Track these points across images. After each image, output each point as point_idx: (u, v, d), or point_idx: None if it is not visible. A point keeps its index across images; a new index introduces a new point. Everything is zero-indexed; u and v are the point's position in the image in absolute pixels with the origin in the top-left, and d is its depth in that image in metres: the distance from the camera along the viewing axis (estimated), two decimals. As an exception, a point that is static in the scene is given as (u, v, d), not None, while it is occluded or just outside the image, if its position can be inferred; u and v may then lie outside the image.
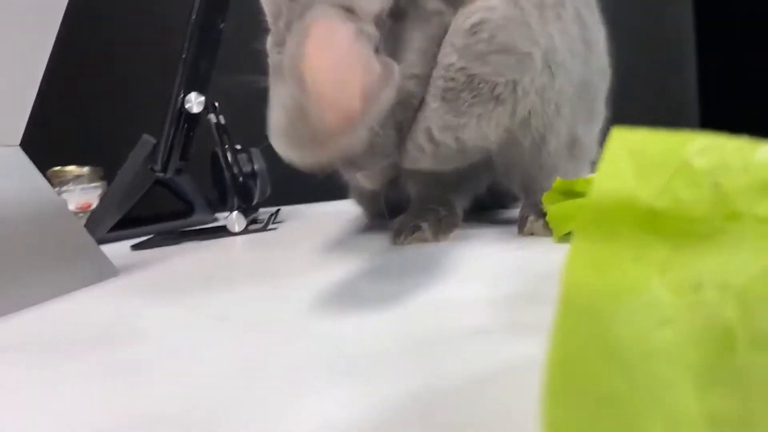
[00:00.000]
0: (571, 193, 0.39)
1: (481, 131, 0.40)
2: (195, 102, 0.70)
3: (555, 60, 0.41)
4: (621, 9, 0.79)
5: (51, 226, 0.48)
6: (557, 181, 0.40)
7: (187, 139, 0.73)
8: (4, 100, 0.49)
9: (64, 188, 1.02)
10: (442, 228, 0.47)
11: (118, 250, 0.63)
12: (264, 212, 0.90)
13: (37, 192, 0.50)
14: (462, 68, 0.38)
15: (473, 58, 0.38)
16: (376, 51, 0.33)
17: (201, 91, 0.71)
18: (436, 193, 0.50)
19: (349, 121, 0.28)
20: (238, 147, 0.81)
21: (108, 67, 1.20)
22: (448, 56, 0.38)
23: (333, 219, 0.72)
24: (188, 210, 0.88)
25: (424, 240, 0.45)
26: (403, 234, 0.45)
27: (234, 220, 0.70)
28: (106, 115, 1.21)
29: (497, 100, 0.39)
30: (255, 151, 0.85)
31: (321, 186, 0.53)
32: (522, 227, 0.44)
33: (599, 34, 0.47)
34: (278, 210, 0.89)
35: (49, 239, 0.47)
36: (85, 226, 0.73)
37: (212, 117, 0.72)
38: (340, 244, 0.49)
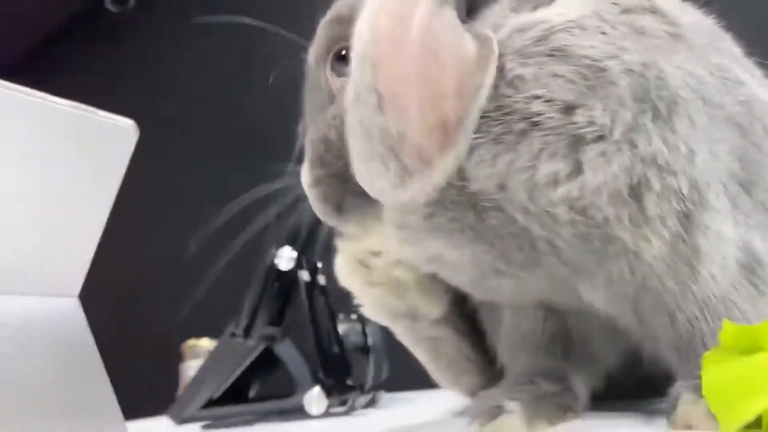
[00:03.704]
0: (754, 347, 0.22)
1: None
2: (285, 257, 0.62)
3: (662, 88, 0.27)
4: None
5: (79, 390, 0.47)
6: (726, 327, 0.23)
7: (279, 301, 0.64)
8: (66, 250, 0.50)
9: (193, 362, 0.98)
10: (543, 411, 0.30)
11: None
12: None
13: (78, 350, 0.49)
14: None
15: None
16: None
17: (295, 246, 0.63)
18: (542, 363, 0.34)
19: (451, 126, 0.27)
20: (353, 316, 0.72)
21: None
22: None
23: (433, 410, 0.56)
24: (288, 388, 0.78)
25: (511, 429, 0.29)
26: (479, 419, 0.30)
27: (312, 399, 0.58)
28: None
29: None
30: (373, 324, 0.74)
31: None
32: (672, 415, 0.27)
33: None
34: (374, 393, 0.74)
35: (73, 404, 0.46)
36: (175, 402, 0.67)
37: (304, 275, 0.64)
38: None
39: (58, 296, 0.51)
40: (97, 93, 0.52)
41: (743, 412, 0.21)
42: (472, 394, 0.40)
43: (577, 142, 0.27)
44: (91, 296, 0.59)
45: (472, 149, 0.28)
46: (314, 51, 0.35)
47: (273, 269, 0.63)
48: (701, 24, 0.32)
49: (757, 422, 0.22)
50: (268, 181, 0.50)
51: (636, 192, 0.27)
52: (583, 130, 0.27)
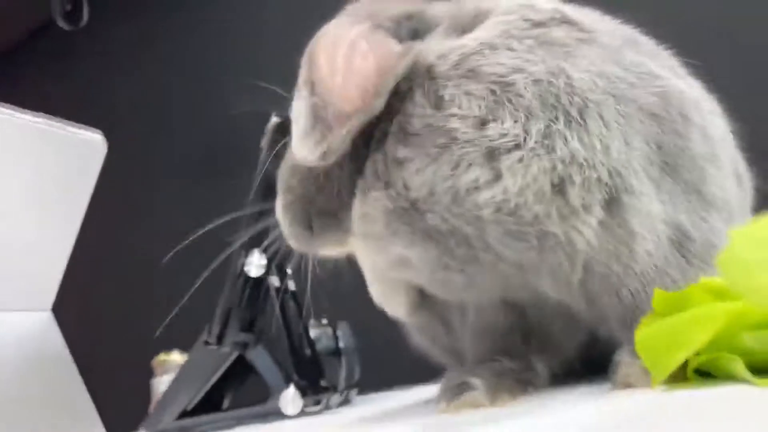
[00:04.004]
0: (682, 309, 0.25)
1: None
2: (255, 264, 0.63)
3: (571, 94, 0.31)
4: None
5: (59, 403, 0.49)
6: (657, 294, 0.26)
7: (251, 307, 0.65)
8: (38, 264, 0.50)
9: (164, 377, 0.96)
10: (505, 385, 0.33)
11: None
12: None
13: (54, 363, 0.50)
14: None
15: None
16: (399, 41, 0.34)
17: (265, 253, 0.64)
18: (502, 345, 0.37)
19: (368, 96, 0.31)
20: (324, 321, 0.73)
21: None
22: None
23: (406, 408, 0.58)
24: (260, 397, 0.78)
25: (475, 404, 0.31)
26: (446, 396, 0.32)
27: (287, 399, 0.59)
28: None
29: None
30: (344, 326, 0.76)
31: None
32: (614, 377, 0.29)
33: (690, 91, 0.35)
34: (347, 392, 0.76)
35: (53, 416, 0.48)
36: (150, 413, 0.67)
37: (274, 280, 0.65)
38: None
39: (31, 311, 0.52)
40: (52, 110, 0.52)
41: (670, 363, 0.24)
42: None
43: (492, 153, 0.30)
44: (64, 309, 0.59)
45: (409, 162, 0.32)
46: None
47: (243, 276, 0.64)
48: (619, 30, 0.36)
49: (684, 374, 0.25)
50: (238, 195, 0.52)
51: (559, 188, 0.31)
52: (496, 142, 0.30)
